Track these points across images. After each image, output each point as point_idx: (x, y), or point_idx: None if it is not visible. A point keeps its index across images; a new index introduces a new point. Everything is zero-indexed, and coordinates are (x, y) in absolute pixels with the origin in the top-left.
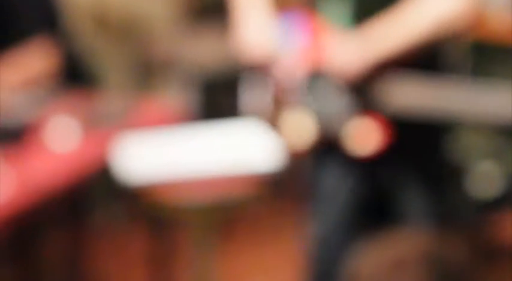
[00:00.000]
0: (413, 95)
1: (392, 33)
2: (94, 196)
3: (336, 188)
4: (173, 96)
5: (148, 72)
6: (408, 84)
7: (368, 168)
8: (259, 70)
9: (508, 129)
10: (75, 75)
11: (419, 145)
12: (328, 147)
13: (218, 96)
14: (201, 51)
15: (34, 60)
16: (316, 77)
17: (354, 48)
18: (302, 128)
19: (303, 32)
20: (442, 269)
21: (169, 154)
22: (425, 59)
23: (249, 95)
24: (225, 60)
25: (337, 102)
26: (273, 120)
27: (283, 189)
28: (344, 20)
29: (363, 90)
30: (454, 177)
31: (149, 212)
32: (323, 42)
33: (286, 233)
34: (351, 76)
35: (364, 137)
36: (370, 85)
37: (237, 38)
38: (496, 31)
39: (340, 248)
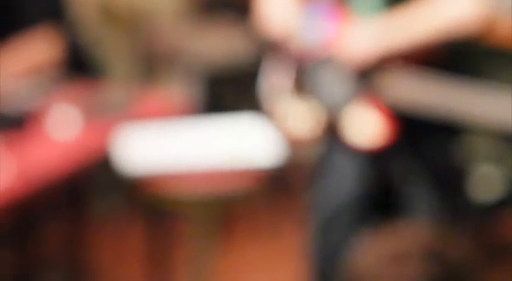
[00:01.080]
0: (420, 92)
1: (405, 27)
2: (94, 186)
3: (339, 178)
4: (176, 89)
5: (152, 64)
6: (416, 80)
7: (373, 160)
8: (279, 48)
9: (509, 133)
10: (79, 65)
11: (424, 142)
12: (332, 136)
13: (221, 91)
14: (206, 45)
15: (38, 49)
16: (327, 62)
17: (366, 37)
18: (308, 113)
19: (329, 21)
20: (442, 263)
21: (170, 147)
22: (436, 59)
23: (268, 76)
24: (230, 55)
25: (342, 89)
26: (284, 103)
27: (284, 184)
28: (372, 12)
29: (370, 78)
30: (457, 179)
31: (148, 204)
32: (345, 31)
33: (286, 228)
34: (359, 62)
35: (367, 126)
36: (377, 74)
37: (260, 15)
38: (505, 35)
39: (341, 239)
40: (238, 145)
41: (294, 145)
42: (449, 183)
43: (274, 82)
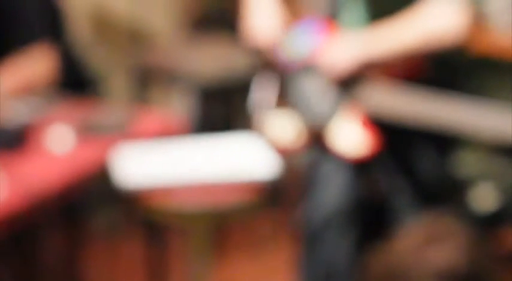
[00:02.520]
0: (403, 104)
1: (387, 37)
2: (91, 201)
3: (326, 189)
4: (172, 106)
5: (147, 81)
6: (400, 92)
7: (359, 170)
8: (267, 59)
9: (504, 147)
10: (75, 82)
11: (411, 153)
12: (318, 147)
13: (216, 107)
14: (201, 61)
15: (33, 66)
16: (311, 72)
17: (348, 47)
18: (291, 123)
19: (317, 34)
20: (474, 246)
21: (166, 161)
22: (420, 72)
23: (257, 89)
24: (225, 71)
25: (326, 99)
26: (269, 114)
27: (280, 197)
28: (358, 26)
29: (353, 88)
30: (456, 192)
31: (146, 218)
32: (330, 42)
33: (282, 241)
34: (338, 72)
35: (350, 136)
36: (360, 85)
37: (248, 27)
38: (499, 46)
39: (330, 249)
40: (234, 158)
41: (283, 156)
42: (438, 194)
43: (262, 94)
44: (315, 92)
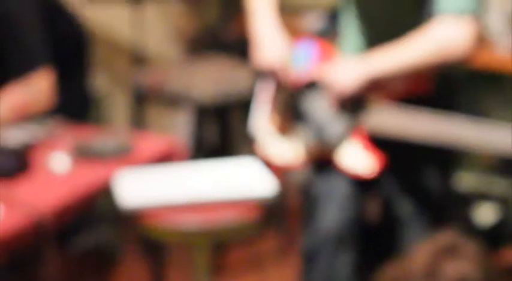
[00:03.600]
0: (406, 124)
1: (389, 54)
2: (91, 223)
3: (327, 205)
4: (171, 126)
5: (146, 102)
6: (403, 113)
7: (361, 188)
8: (270, 78)
9: (506, 163)
10: (73, 106)
11: (414, 171)
12: (322, 165)
13: (215, 127)
14: (200, 82)
15: (32, 92)
16: (315, 91)
17: (351, 66)
18: (293, 142)
19: (318, 55)
20: (483, 258)
21: (166, 182)
22: (424, 92)
23: (258, 108)
24: (223, 91)
25: (329, 119)
26: (269, 133)
27: (282, 215)
28: (357, 52)
29: (356, 108)
30: (458, 208)
31: (146, 238)
32: (332, 63)
33: (285, 259)
34: (343, 91)
35: (356, 155)
36: (363, 102)
37: (254, 48)
38: (500, 61)
39: (329, 266)
40: (233, 177)
41: (283, 174)
42: (442, 211)
43: (261, 114)
44: (319, 112)
